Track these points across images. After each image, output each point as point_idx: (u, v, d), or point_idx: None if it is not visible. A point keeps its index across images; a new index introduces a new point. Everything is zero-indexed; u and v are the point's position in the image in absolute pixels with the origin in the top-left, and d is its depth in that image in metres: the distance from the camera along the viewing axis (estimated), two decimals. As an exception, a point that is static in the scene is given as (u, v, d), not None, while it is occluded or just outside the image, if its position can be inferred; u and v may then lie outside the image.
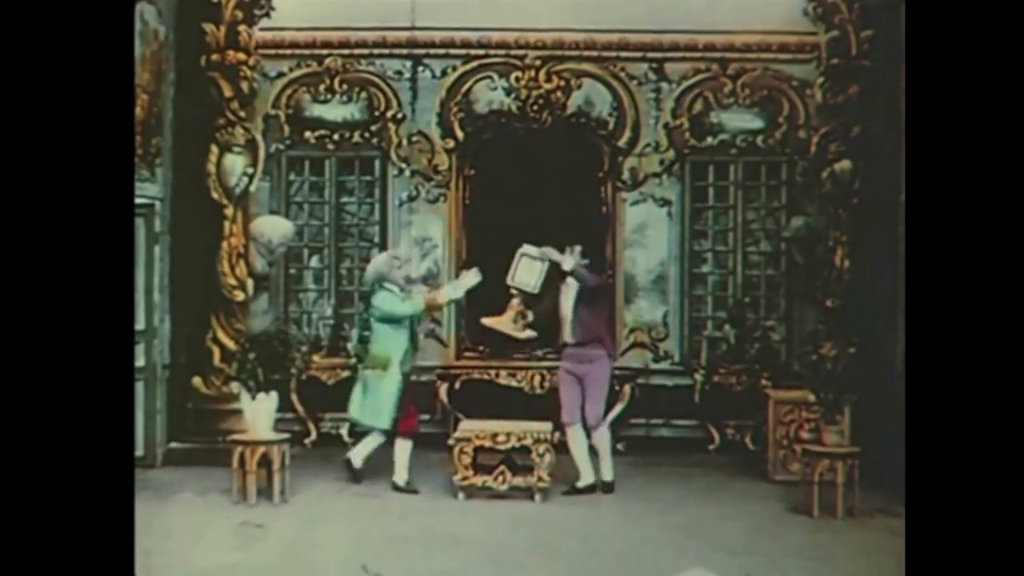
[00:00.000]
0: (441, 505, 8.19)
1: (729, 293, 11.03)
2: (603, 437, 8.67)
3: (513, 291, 8.78)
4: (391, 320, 8.61)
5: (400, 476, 8.57)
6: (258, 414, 8.23)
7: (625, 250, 10.99)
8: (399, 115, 10.99)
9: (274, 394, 8.33)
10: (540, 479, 8.27)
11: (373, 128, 11.01)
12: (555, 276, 8.61)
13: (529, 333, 8.78)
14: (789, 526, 7.69)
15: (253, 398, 8.27)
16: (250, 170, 10.19)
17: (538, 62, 10.92)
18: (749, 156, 10.97)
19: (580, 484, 8.57)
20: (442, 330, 10.92)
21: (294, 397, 10.32)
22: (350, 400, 8.79)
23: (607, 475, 8.65)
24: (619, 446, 10.15)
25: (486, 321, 8.92)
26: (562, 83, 10.92)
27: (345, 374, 10.39)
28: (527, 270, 8.71)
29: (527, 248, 8.78)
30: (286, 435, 8.33)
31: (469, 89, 10.99)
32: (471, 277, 8.72)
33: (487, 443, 8.37)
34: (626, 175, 10.98)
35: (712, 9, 10.72)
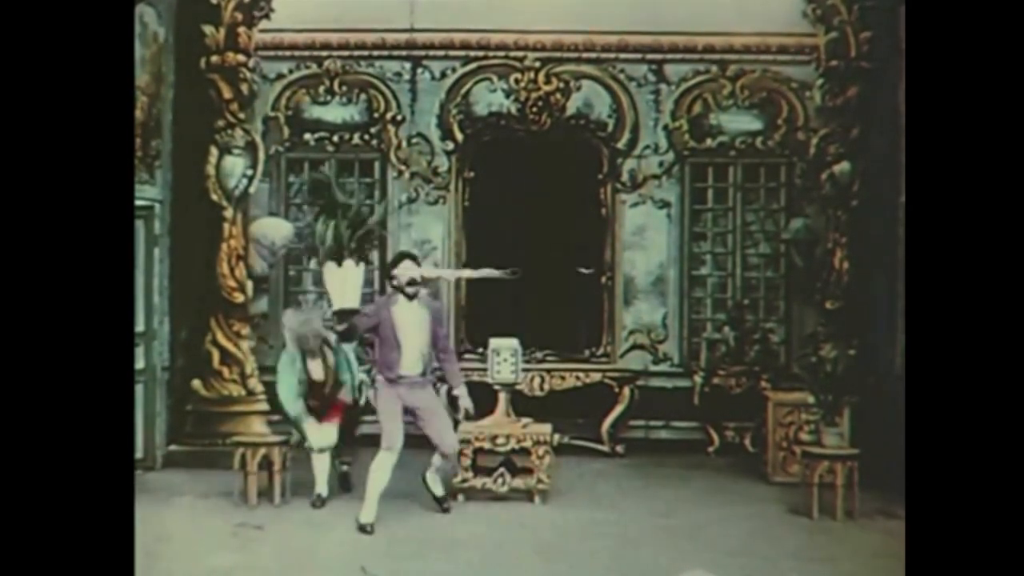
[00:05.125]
0: (441, 507, 8.19)
1: (728, 295, 11.03)
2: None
3: (496, 387, 8.62)
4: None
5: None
6: (347, 282, 8.44)
7: (624, 252, 11.00)
8: (398, 117, 10.99)
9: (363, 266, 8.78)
10: (540, 481, 8.26)
11: (372, 130, 11.02)
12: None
13: (526, 421, 8.46)
14: (788, 528, 7.68)
15: (340, 264, 8.54)
16: (250, 172, 10.17)
17: (537, 64, 10.93)
18: (748, 158, 10.98)
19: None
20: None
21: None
22: None
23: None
24: (619, 448, 10.22)
25: (483, 423, 8.43)
26: (561, 85, 10.92)
27: (345, 376, 10.40)
28: (502, 366, 8.57)
29: (495, 344, 8.65)
30: (286, 437, 8.33)
31: (468, 91, 10.99)
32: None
33: (486, 445, 8.36)
34: (625, 177, 10.98)
35: (711, 11, 10.73)
